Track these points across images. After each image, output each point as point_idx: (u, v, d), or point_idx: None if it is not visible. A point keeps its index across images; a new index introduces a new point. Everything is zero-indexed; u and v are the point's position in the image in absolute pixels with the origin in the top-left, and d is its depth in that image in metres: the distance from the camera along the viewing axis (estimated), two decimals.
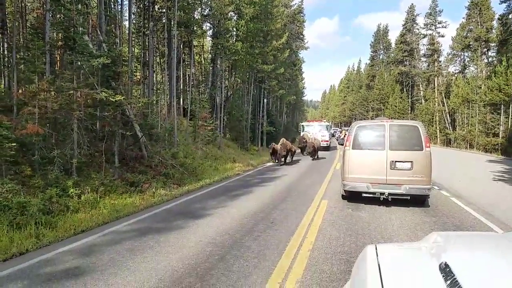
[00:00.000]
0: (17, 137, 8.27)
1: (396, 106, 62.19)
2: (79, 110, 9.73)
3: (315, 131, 30.08)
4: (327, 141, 31.26)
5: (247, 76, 32.21)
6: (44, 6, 11.56)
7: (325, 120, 36.90)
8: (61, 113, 9.65)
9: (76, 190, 8.44)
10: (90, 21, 13.05)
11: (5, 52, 14.99)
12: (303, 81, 75.04)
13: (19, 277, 4.49)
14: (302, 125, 33.19)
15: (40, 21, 14.12)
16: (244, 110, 30.98)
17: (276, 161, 19.64)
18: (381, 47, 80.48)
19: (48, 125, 9.65)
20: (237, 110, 30.50)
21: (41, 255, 5.27)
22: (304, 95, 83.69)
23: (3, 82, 14.67)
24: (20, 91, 10.86)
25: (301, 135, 27.55)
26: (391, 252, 2.01)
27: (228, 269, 4.68)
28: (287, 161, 19.99)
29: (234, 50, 27.46)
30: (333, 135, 58.85)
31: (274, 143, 19.82)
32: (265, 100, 37.70)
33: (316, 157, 22.54)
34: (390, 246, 2.32)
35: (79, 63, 10.44)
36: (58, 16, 11.70)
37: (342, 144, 15.43)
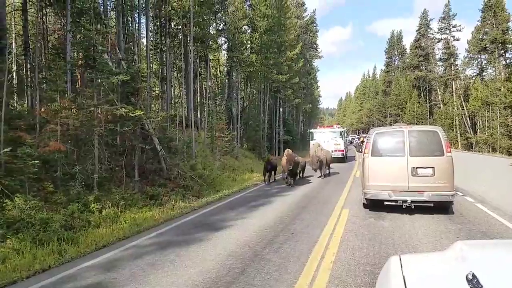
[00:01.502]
0: (40, 155, 8.52)
1: (414, 111, 61.03)
2: (99, 126, 9.98)
3: (327, 139, 25.32)
4: (342, 150, 25.69)
5: (263, 87, 32.43)
6: (65, 27, 12.04)
7: (339, 126, 29.25)
8: (82, 129, 9.92)
9: (97, 205, 8.59)
10: (109, 39, 13.49)
11: (28, 73, 15.64)
12: (318, 89, 74.96)
13: None
14: (311, 133, 27.37)
15: (61, 41, 14.71)
16: (260, 120, 31.10)
17: (270, 181, 15.38)
18: (396, 53, 79.65)
19: (70, 141, 9.92)
20: (254, 120, 30.65)
21: (63, 271, 5.34)
22: (320, 103, 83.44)
23: (26, 102, 15.27)
24: (42, 109, 11.26)
25: (312, 145, 21.93)
26: (416, 263, 1.94)
27: (249, 283, 4.60)
28: (295, 178, 14.95)
29: (249, 62, 27.82)
30: (351, 143, 57.91)
31: (270, 154, 16.29)
32: (281, 110, 37.77)
33: (326, 173, 17.39)
34: (415, 257, 2.25)
35: (99, 80, 10.77)
36: (78, 36, 12.15)
37: (361, 151, 15.15)
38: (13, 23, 18.65)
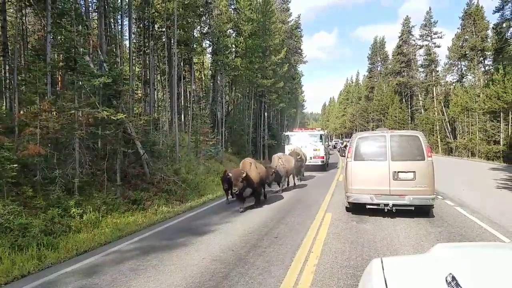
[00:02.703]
0: (19, 158, 8.29)
1: (396, 117, 62.32)
2: (80, 129, 9.78)
3: (305, 143, 21.06)
4: (322, 157, 21.52)
5: (248, 91, 32.51)
6: (45, 28, 11.77)
7: (318, 129, 24.85)
8: (62, 133, 9.68)
9: (78, 210, 8.40)
10: (91, 41, 13.27)
11: (7, 74, 15.19)
12: (303, 94, 75.69)
13: None
14: (287, 136, 22.67)
15: (41, 43, 14.37)
16: (245, 124, 31.14)
17: (229, 199, 11.46)
18: (379, 59, 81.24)
19: (49, 145, 9.68)
20: (238, 125, 30.67)
21: (43, 277, 5.20)
22: (304, 107, 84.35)
23: (4, 104, 14.81)
24: (21, 112, 10.96)
25: (288, 150, 18.69)
26: (397, 265, 1.99)
27: (232, 287, 4.61)
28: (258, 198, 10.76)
29: (233, 66, 27.85)
30: (334, 147, 58.46)
31: (227, 169, 11.55)
32: (265, 114, 37.92)
33: (289, 184, 14.62)
34: (396, 259, 2.30)
35: (80, 83, 10.56)
36: (59, 37, 11.89)
37: (344, 156, 15.32)
38: None
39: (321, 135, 22.23)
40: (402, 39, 65.77)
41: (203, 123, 21.73)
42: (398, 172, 8.20)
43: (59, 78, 13.97)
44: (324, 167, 22.11)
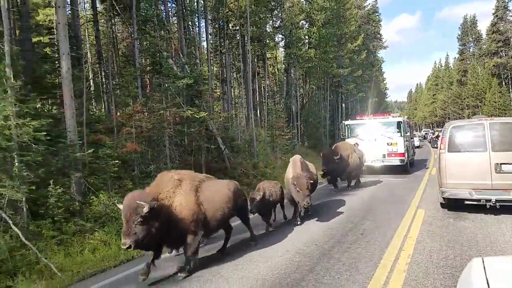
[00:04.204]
0: (119, 155, 9.31)
1: (495, 102, 55.05)
2: (169, 127, 10.64)
3: (374, 135, 15.51)
4: (401, 154, 15.05)
5: (322, 82, 31.80)
6: (132, 35, 12.98)
7: (395, 114, 18.90)
8: (154, 131, 10.64)
9: None
10: (173, 45, 14.27)
11: (103, 80, 17.18)
12: (384, 82, 71.39)
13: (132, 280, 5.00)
14: (347, 126, 16.81)
15: (130, 49, 15.88)
16: (321, 116, 30.53)
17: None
18: (470, 39, 72.38)
19: (144, 142, 10.70)
20: (314, 118, 30.16)
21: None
22: (387, 96, 79.44)
23: (103, 107, 16.80)
24: (118, 113, 12.30)
25: (348, 144, 13.40)
26: (501, 266, 1.80)
27: (318, 281, 4.57)
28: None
29: (307, 58, 27.42)
30: (424, 138, 53.45)
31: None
32: (343, 105, 36.68)
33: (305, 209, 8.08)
34: (500, 259, 2.06)
35: (166, 85, 11.45)
36: (145, 43, 13.02)
37: (436, 147, 13.72)
38: (86, 34, 20.54)
39: (398, 122, 15.66)
40: (497, 15, 57.79)
41: (278, 117, 21.91)
42: (501, 164, 7.27)
43: (148, 81, 15.33)
44: (405, 167, 15.56)
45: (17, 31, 11.10)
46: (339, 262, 5.21)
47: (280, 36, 29.37)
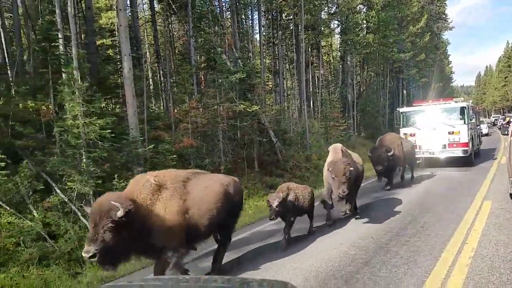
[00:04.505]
0: (176, 150, 9.81)
1: None
2: (222, 122, 10.95)
3: (433, 123, 13.91)
4: (465, 144, 13.35)
5: (382, 68, 30.18)
6: (188, 33, 13.44)
7: (458, 99, 16.26)
8: (208, 126, 11.04)
9: None
10: (226, 40, 14.53)
11: (161, 78, 18.08)
12: (450, 65, 65.65)
13: None
14: (403, 114, 15.09)
15: (185, 47, 16.48)
16: (380, 104, 29.07)
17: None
18: None
19: (199, 137, 11.14)
20: (372, 106, 28.76)
21: (205, 249, 5.92)
22: (452, 80, 73.08)
23: (162, 104, 17.72)
24: (175, 110, 12.91)
25: (403, 134, 13.66)
26: None
27: (374, 274, 4.45)
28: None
29: (365, 44, 26.17)
30: (494, 124, 48.60)
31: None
32: (404, 92, 34.51)
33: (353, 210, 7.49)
34: None
35: (219, 80, 11.74)
36: (200, 40, 13.41)
37: (507, 134, 12.27)
38: (145, 34, 21.67)
39: (462, 108, 13.89)
40: None
41: (332, 107, 21.28)
42: None
43: (202, 78, 15.83)
44: (469, 159, 13.88)
45: (83, 35, 12.11)
46: (397, 255, 5.05)
47: (336, 22, 28.31)
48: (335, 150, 6.84)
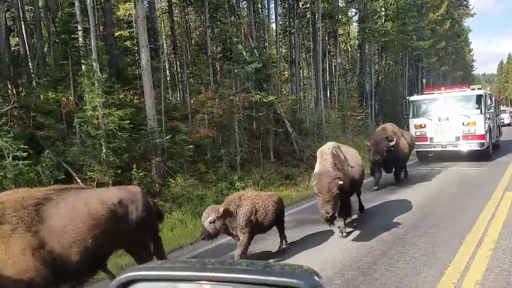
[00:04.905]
0: (193, 140, 9.91)
1: None
2: (238, 113, 10.96)
3: (446, 113, 12.65)
4: (481, 136, 12.17)
5: (400, 57, 29.46)
6: (204, 23, 13.41)
7: (474, 87, 14.17)
8: (224, 117, 11.08)
9: (241, 183, 9.51)
10: (242, 30, 14.43)
11: (178, 69, 18.15)
12: (471, 53, 63.50)
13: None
14: (413, 102, 13.65)
15: (202, 37, 16.46)
16: (398, 94, 28.43)
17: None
18: None
19: (215, 128, 11.22)
20: (391, 95, 28.20)
21: (219, 240, 5.92)
22: (473, 68, 70.73)
23: (178, 95, 17.84)
24: (192, 101, 12.99)
25: (413, 126, 12.99)
26: None
27: (392, 265, 4.41)
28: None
29: (383, 32, 25.58)
30: None
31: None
32: (423, 80, 33.63)
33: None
34: None
35: (235, 70, 11.71)
36: (216, 30, 13.37)
37: None
38: (162, 26, 21.68)
39: (478, 96, 12.59)
40: None
41: (350, 97, 20.98)
42: None
43: (218, 68, 15.83)
44: (486, 152, 12.63)
45: (101, 27, 12.25)
46: (415, 246, 4.99)
47: (354, 10, 27.72)
48: (322, 156, 5.69)
